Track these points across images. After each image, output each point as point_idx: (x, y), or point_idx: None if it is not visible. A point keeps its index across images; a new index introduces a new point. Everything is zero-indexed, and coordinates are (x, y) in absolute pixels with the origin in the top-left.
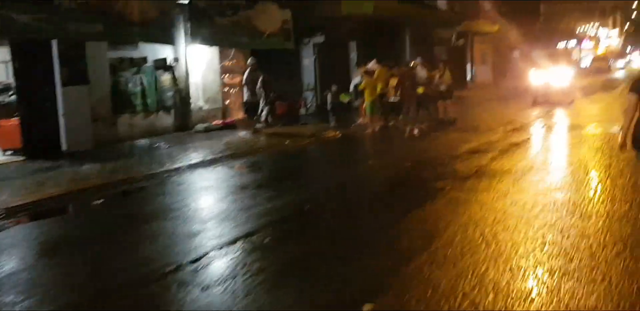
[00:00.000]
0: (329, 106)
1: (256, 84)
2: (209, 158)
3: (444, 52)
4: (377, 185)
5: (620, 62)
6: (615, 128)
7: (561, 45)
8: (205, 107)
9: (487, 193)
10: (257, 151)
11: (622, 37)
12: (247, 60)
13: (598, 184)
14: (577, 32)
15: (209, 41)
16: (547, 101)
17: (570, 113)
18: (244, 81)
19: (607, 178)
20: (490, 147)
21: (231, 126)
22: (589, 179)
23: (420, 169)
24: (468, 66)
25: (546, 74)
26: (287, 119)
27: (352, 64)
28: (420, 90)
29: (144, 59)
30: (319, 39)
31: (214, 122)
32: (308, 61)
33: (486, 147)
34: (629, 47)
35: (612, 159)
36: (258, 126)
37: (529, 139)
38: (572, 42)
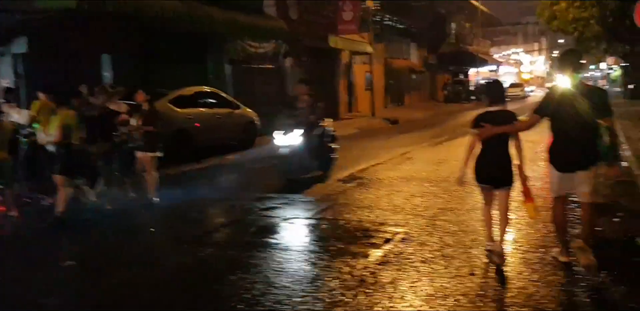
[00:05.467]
0: None
1: None
2: None
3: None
4: None
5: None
6: None
7: (473, 70)
8: None
9: None
10: None
11: (549, 63)
12: None
13: None
14: (496, 56)
15: None
16: None
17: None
18: None
19: None
20: None
21: None
22: None
23: None
24: (340, 92)
25: None
26: None
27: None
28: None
29: None
30: (21, 47)
31: None
32: (7, 82)
33: None
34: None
35: None
36: None
37: None
38: (490, 67)
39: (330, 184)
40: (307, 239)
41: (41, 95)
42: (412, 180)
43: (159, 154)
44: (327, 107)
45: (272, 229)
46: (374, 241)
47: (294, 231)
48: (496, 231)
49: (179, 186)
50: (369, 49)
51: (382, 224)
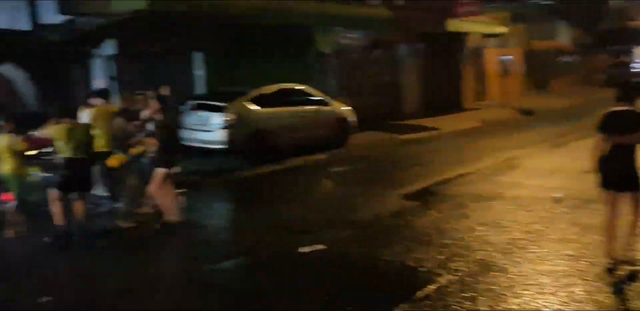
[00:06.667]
0: None
1: None
2: None
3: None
4: None
5: None
6: None
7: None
8: None
9: None
10: None
11: None
12: None
13: None
14: None
15: None
16: None
17: None
18: None
19: None
20: None
21: None
22: None
23: None
24: (464, 80)
25: None
26: None
27: (198, 86)
28: (135, 150)
29: None
30: (110, 49)
31: None
32: (100, 82)
33: None
34: None
35: None
36: None
37: None
38: None
39: (389, 201)
40: (299, 287)
41: (97, 101)
42: (496, 199)
43: (167, 170)
44: (449, 97)
45: (265, 266)
46: (392, 296)
47: (289, 272)
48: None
49: (228, 197)
50: (502, 30)
51: (416, 268)
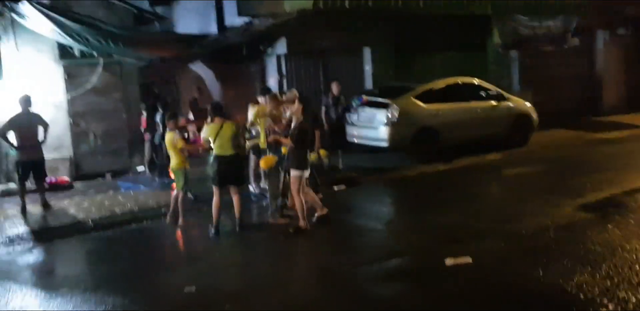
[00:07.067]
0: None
1: None
2: None
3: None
4: None
5: None
6: None
7: None
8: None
9: None
10: None
11: None
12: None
13: None
14: None
15: None
16: None
17: None
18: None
19: None
20: None
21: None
22: None
23: None
24: None
25: None
26: None
27: (367, 82)
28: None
29: None
30: (282, 47)
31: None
32: (273, 80)
33: None
34: None
35: None
36: None
37: None
38: None
39: (562, 211)
40: (434, 302)
41: (261, 99)
42: None
43: (301, 171)
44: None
45: (406, 274)
46: None
47: (428, 285)
48: None
49: (384, 196)
50: None
51: (576, 294)
